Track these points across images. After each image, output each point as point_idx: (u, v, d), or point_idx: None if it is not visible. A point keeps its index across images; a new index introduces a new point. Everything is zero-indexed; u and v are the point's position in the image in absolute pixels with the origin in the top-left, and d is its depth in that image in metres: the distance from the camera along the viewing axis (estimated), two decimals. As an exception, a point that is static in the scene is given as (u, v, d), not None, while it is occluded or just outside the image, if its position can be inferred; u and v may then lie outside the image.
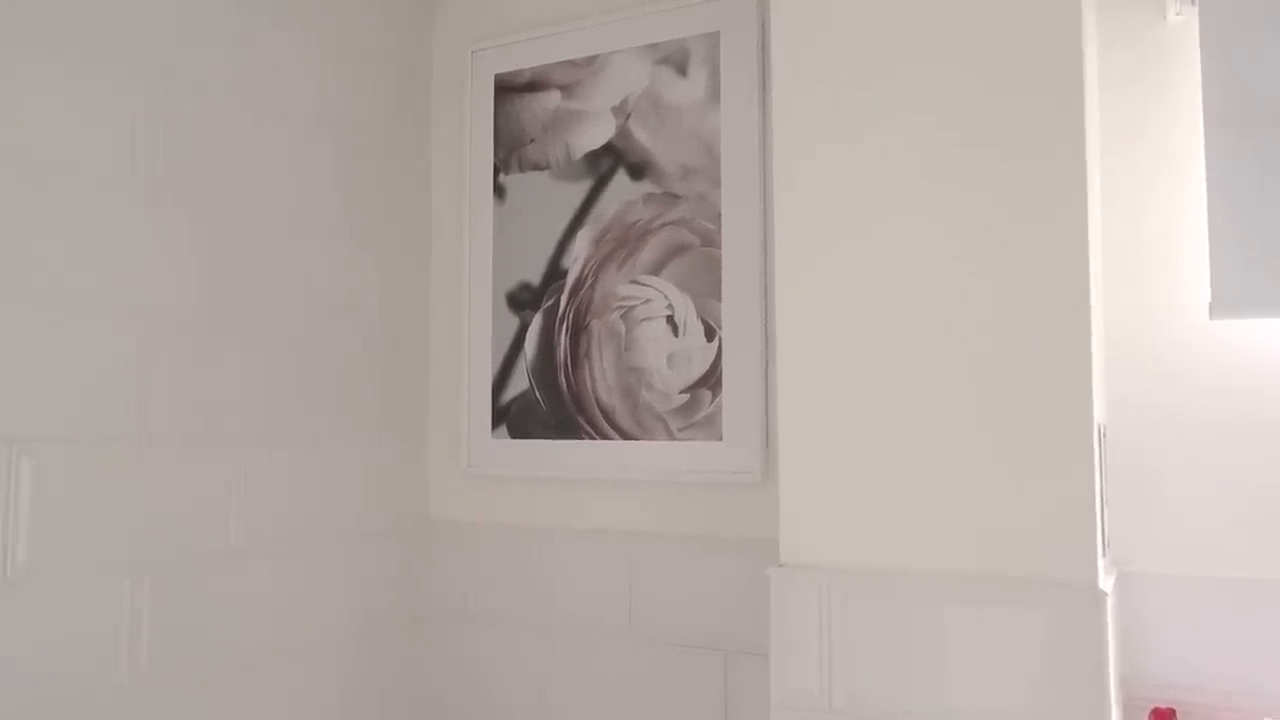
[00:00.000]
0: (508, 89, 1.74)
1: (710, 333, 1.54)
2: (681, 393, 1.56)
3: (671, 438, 1.56)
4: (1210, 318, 1.17)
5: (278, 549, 1.48)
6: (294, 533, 1.51)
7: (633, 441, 1.59)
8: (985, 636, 1.10)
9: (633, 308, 1.61)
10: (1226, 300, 1.17)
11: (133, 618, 1.27)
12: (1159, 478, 1.27)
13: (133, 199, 1.29)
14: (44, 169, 1.18)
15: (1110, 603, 1.10)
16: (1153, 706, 1.21)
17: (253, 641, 1.43)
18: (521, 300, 1.71)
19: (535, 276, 1.69)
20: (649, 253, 1.60)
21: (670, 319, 1.58)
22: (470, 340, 1.74)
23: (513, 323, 1.71)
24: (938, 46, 1.16)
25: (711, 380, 1.53)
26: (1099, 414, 1.15)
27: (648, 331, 1.59)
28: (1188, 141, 1.26)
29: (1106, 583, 1.11)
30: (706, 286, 1.55)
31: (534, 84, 1.71)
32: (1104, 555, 1.16)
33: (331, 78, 1.61)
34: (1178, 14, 1.26)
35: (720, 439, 1.52)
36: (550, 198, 1.68)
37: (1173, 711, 1.20)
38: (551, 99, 1.69)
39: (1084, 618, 1.06)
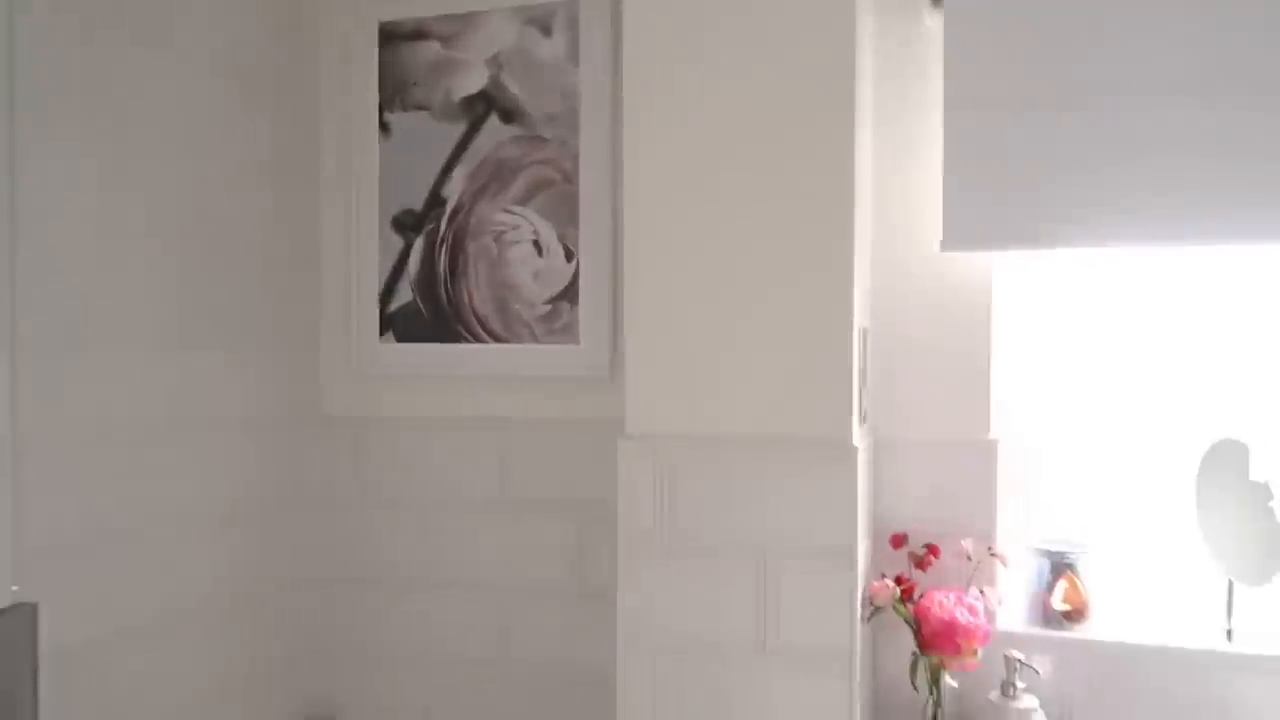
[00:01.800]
0: (392, 36, 1.97)
1: (569, 255, 1.86)
2: (545, 304, 1.88)
3: (537, 341, 1.88)
4: (941, 250, 1.59)
5: (179, 439, 1.69)
6: (193, 425, 1.72)
7: (504, 344, 1.90)
8: (774, 480, 1.49)
9: (504, 233, 1.91)
10: (953, 238, 1.58)
11: (16, 497, 1.35)
12: (908, 368, 1.70)
13: (28, 125, 1.37)
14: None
15: (862, 457, 1.52)
16: (892, 532, 1.66)
17: (153, 517, 1.63)
18: (405, 224, 1.97)
19: (418, 204, 1.96)
20: (518, 186, 1.90)
21: (536, 243, 1.89)
22: (358, 258, 2.00)
23: (398, 243, 1.98)
24: (746, 36, 1.51)
25: (570, 294, 1.86)
26: (860, 319, 1.55)
27: (516, 253, 1.90)
28: (934, 116, 1.66)
29: (862, 442, 1.53)
30: (566, 216, 1.86)
31: (417, 33, 1.95)
32: (863, 423, 1.58)
33: (226, 19, 1.79)
34: (930, 20, 1.65)
35: (578, 342, 1.86)
36: (431, 135, 1.95)
37: (905, 536, 1.65)
38: (432, 48, 1.94)
39: (841, 467, 1.47)
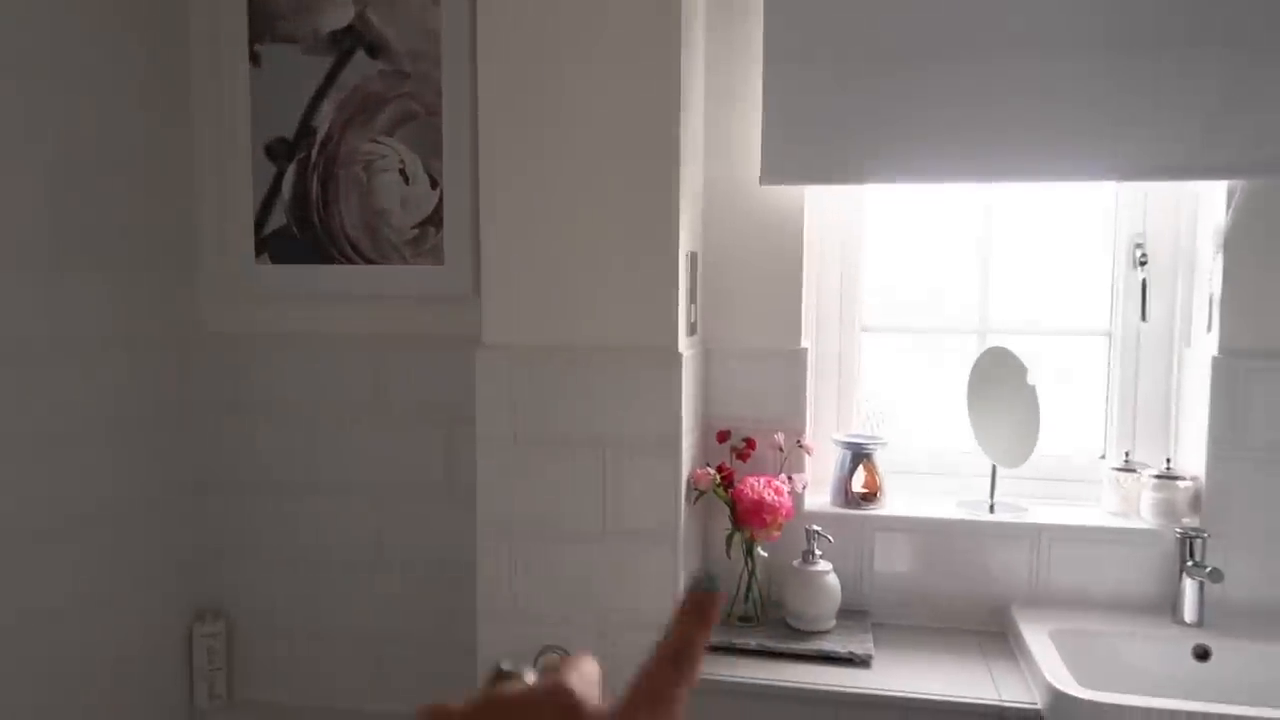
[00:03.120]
0: (259, -31, 2.06)
1: (434, 183, 2.03)
2: (412, 228, 2.05)
3: (405, 263, 2.05)
4: (760, 184, 1.82)
5: (58, 355, 1.84)
6: (74, 342, 1.86)
7: (375, 265, 2.07)
8: (612, 384, 1.72)
9: (372, 161, 2.05)
10: (770, 173, 1.82)
11: None
12: (734, 287, 1.94)
13: None
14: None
15: (689, 364, 1.76)
16: (717, 430, 1.92)
17: (39, 432, 1.80)
18: (278, 152, 2.09)
19: (289, 132, 2.08)
20: (384, 118, 2.04)
21: (402, 171, 2.04)
22: (232, 182, 2.11)
23: (270, 170, 2.10)
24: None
25: (435, 219, 2.03)
26: (689, 244, 1.78)
27: (384, 181, 2.05)
28: (756, 58, 1.87)
29: (687, 351, 1.77)
30: (430, 146, 2.02)
31: (283, -32, 2.05)
32: (689, 335, 1.81)
33: (99, -49, 1.86)
34: (752, -27, 1.86)
35: (443, 264, 2.03)
36: (300, 68, 2.06)
37: (729, 432, 1.91)
38: (299, -18, 2.05)
39: (669, 372, 1.71)
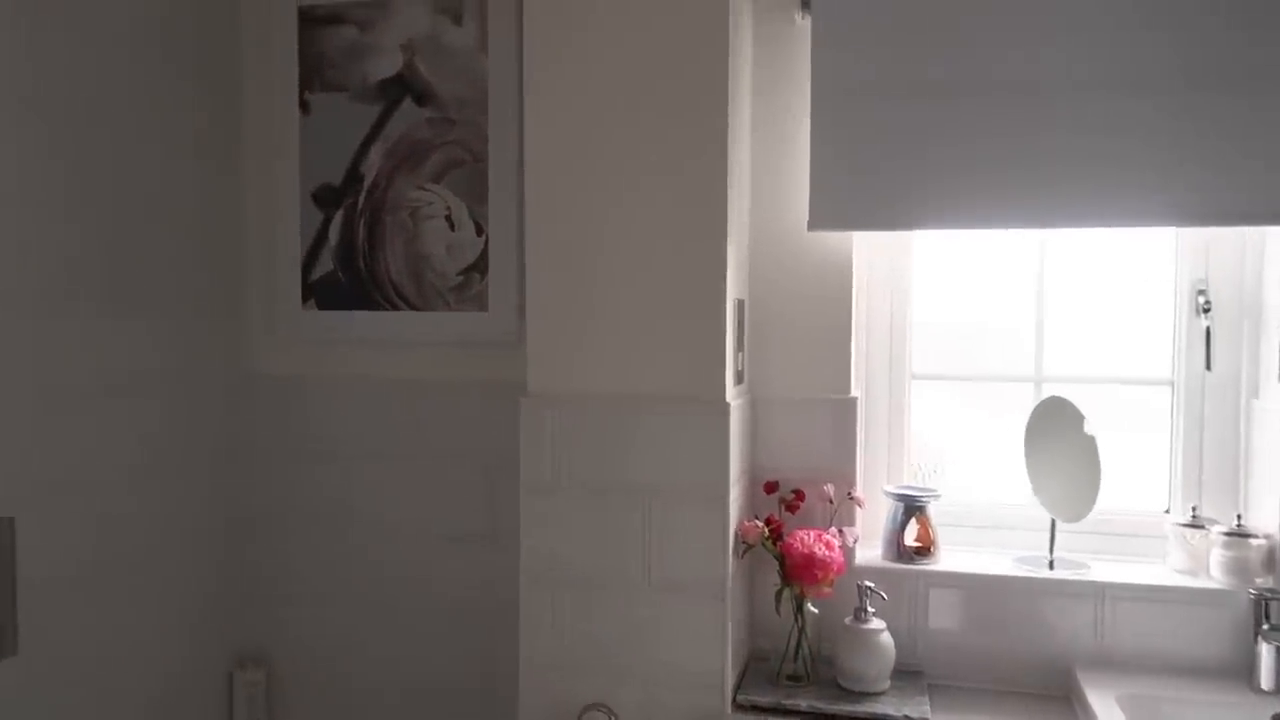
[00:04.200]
0: (310, 20, 2.09)
1: (479, 229, 2.02)
2: (457, 275, 2.04)
3: (450, 309, 2.05)
4: (808, 229, 1.79)
5: (111, 397, 1.84)
6: (124, 384, 1.87)
7: (420, 312, 2.06)
8: (658, 433, 1.69)
9: (418, 208, 2.05)
10: (818, 218, 1.79)
11: None
12: (779, 335, 1.91)
13: None
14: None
15: (737, 413, 1.72)
16: (765, 480, 1.87)
17: (87, 475, 1.80)
18: (325, 199, 2.11)
19: (337, 179, 2.10)
20: (431, 165, 2.04)
21: (448, 218, 2.04)
22: (281, 230, 2.13)
23: (318, 216, 2.11)
24: (632, 32, 1.68)
25: (480, 265, 2.02)
26: (735, 291, 1.75)
27: (430, 227, 2.05)
28: (803, 105, 1.85)
29: (735, 401, 1.73)
30: (476, 193, 2.02)
31: (333, 18, 2.08)
32: (737, 384, 1.78)
33: (149, 5, 1.90)
34: (801, 19, 1.84)
35: (487, 310, 2.02)
36: (349, 115, 2.08)
37: (776, 483, 1.87)
38: (349, 32, 2.07)
39: (716, 421, 1.67)
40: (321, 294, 2.12)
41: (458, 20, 2.01)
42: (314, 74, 2.10)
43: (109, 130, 1.80)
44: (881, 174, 1.75)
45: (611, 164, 1.70)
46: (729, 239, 1.68)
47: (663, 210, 1.68)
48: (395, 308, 2.08)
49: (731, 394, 1.72)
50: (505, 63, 1.98)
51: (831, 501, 1.83)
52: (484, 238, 2.02)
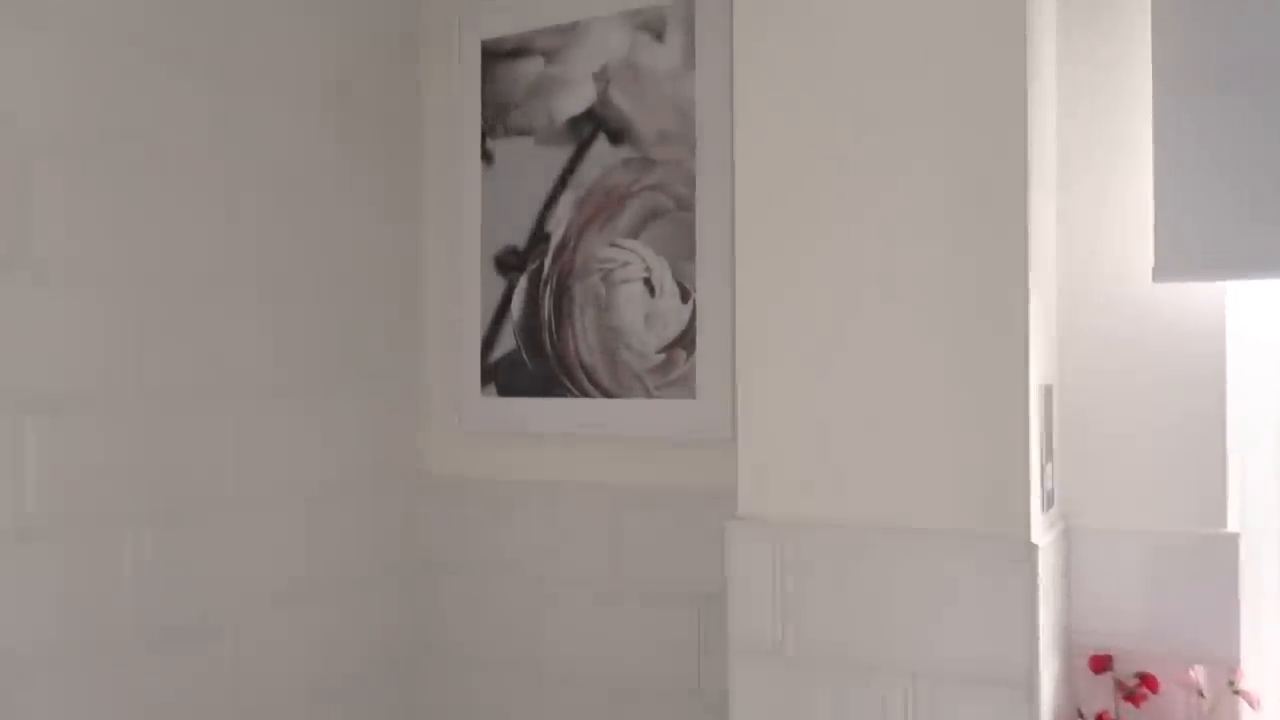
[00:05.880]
0: (494, 55, 1.78)
1: (685, 294, 1.59)
2: (658, 352, 1.61)
3: (649, 395, 1.62)
4: (1154, 280, 1.20)
5: (274, 502, 1.57)
6: (289, 485, 1.60)
7: (612, 399, 1.65)
8: (928, 587, 1.15)
9: (612, 270, 1.66)
10: (1169, 264, 1.20)
11: (135, 569, 1.36)
12: (1106, 436, 1.31)
13: (126, 166, 1.35)
14: (40, 142, 1.25)
15: (1045, 556, 1.15)
16: (1091, 653, 1.27)
17: (249, 590, 1.52)
18: (508, 263, 1.76)
19: (521, 240, 1.75)
20: (628, 216, 1.64)
21: (648, 281, 1.63)
22: (460, 302, 1.81)
23: (500, 285, 1.77)
24: (883, 21, 1.19)
25: (686, 340, 1.59)
26: (1040, 375, 1.19)
27: (626, 293, 1.64)
28: (1136, 106, 1.28)
29: (1044, 536, 1.16)
30: (682, 249, 1.59)
31: (518, 50, 1.75)
32: (1045, 510, 1.21)
33: (324, 45, 1.66)
34: (1133, -21, 1.28)
35: (694, 397, 1.58)
36: (535, 162, 1.73)
37: (1109, 658, 1.25)
38: (535, 65, 1.73)
39: (1018, 569, 1.11)
40: (503, 377, 1.76)
41: (659, 36, 1.62)
42: (497, 118, 1.77)
43: (297, 205, 1.58)
44: (1275, 192, 1.14)
45: (855, 202, 1.21)
46: (1031, 298, 1.13)
47: (929, 263, 1.17)
48: (585, 394, 1.68)
49: (1039, 526, 1.15)
50: (717, 83, 1.56)
51: (1202, 694, 1.20)
52: (691, 304, 1.59)
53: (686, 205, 1.59)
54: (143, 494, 1.37)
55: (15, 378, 1.22)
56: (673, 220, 1.60)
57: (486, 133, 1.78)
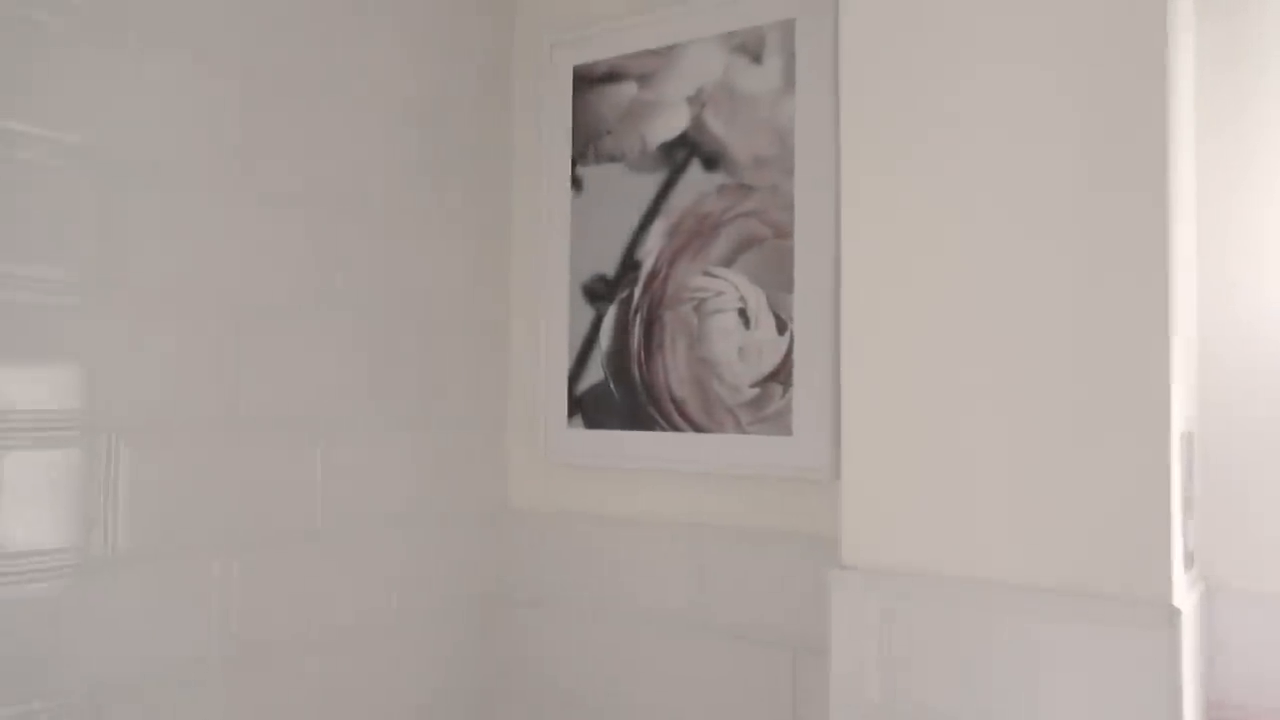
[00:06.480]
0: (585, 80, 1.74)
1: (782, 326, 1.52)
2: (752, 386, 1.54)
3: (742, 431, 1.54)
4: (1312, 318, 1.09)
5: (360, 533, 1.54)
6: (376, 517, 1.57)
7: (703, 434, 1.58)
8: (1053, 652, 1.05)
9: (705, 300, 1.59)
10: (1331, 299, 1.08)
11: (222, 597, 1.34)
12: (1256, 489, 1.19)
13: (218, 194, 1.35)
14: (136, 170, 1.25)
15: (1189, 620, 1.04)
16: (1238, 730, 1.14)
17: (335, 622, 1.49)
18: (597, 292, 1.71)
19: (610, 268, 1.70)
20: (721, 244, 1.58)
21: (742, 311, 1.56)
22: (547, 331, 1.76)
23: (588, 314, 1.72)
24: (1010, 32, 1.11)
25: (782, 374, 1.51)
26: (1182, 422, 1.08)
27: (719, 324, 1.58)
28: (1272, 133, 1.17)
29: (1185, 599, 1.05)
30: (778, 279, 1.52)
31: (611, 75, 1.71)
32: (1187, 570, 1.09)
33: (417, 71, 1.65)
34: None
35: (790, 434, 1.50)
36: (625, 189, 1.68)
37: (1260, 737, 1.13)
38: (628, 90, 1.69)
39: (1157, 636, 1.01)
40: (590, 409, 1.71)
41: (757, 58, 1.55)
42: (587, 144, 1.73)
43: (387, 233, 1.58)
44: None
45: (972, 236, 1.12)
46: (1172, 336, 1.03)
47: (1060, 295, 1.07)
48: (675, 428, 1.61)
49: (1181, 588, 1.04)
50: (818, 107, 1.49)
51: (1370, 782, 1.07)
52: (788, 337, 1.51)
53: (784, 232, 1.52)
54: (231, 523, 1.35)
55: (108, 406, 1.22)
56: (769, 248, 1.53)
57: (576, 159, 1.74)
